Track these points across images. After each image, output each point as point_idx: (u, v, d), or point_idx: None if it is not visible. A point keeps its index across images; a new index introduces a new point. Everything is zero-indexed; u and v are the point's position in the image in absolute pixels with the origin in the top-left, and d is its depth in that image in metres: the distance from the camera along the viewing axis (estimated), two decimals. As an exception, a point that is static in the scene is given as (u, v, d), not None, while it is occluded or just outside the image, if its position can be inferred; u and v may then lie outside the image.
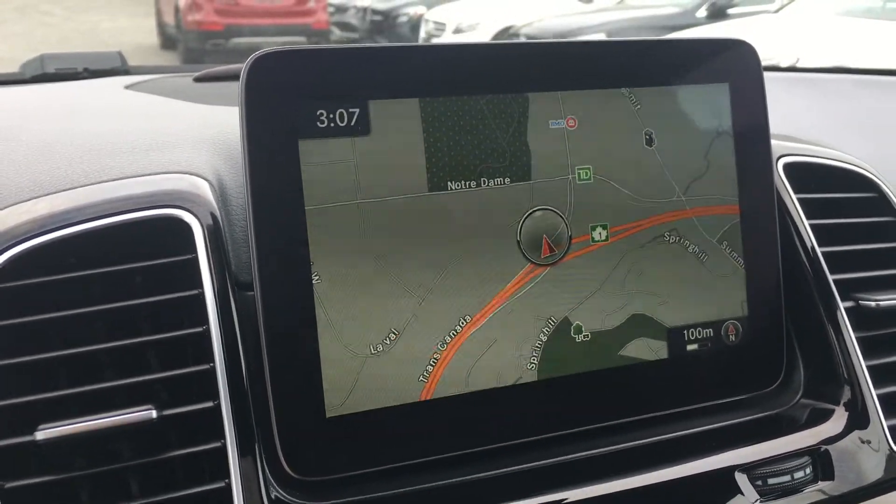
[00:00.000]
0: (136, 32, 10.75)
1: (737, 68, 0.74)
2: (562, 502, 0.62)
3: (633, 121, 0.71)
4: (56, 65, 1.30)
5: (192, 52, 8.81)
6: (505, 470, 0.64)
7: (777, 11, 6.59)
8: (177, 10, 9.21)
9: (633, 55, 0.71)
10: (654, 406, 0.71)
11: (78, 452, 0.55)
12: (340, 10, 11.07)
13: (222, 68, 1.16)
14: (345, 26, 11.04)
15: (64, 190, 0.64)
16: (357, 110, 0.63)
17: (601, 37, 6.97)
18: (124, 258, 0.60)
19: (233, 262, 0.64)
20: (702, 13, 7.16)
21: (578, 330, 0.69)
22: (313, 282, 0.62)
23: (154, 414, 0.55)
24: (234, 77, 1.09)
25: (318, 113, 0.62)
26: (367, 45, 0.64)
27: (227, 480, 0.56)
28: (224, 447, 0.57)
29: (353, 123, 0.63)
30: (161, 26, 10.37)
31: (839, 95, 1.37)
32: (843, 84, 1.45)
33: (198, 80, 1.16)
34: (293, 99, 0.61)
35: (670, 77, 0.72)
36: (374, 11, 10.50)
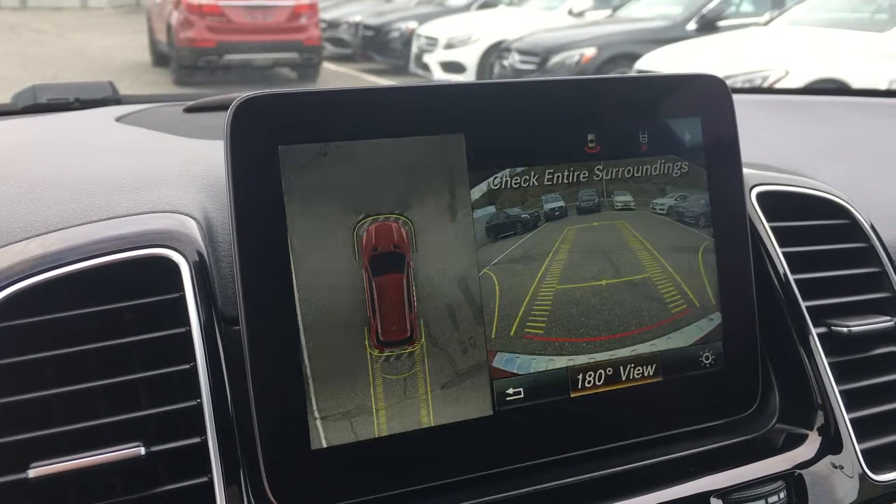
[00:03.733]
0: (127, 50, 10.79)
1: (708, 102, 0.77)
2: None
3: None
4: (48, 95, 1.32)
5: (184, 69, 8.85)
6: (483, 499, 0.66)
7: (766, 24, 6.66)
8: (169, 27, 9.25)
9: (598, 94, 0.73)
10: (632, 433, 0.73)
11: (70, 489, 0.57)
12: (333, 25, 11.13)
13: (212, 99, 1.19)
14: (337, 42, 11.11)
15: (55, 230, 0.66)
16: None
17: (592, 51, 7.03)
18: (114, 297, 0.63)
19: (219, 298, 0.66)
20: (692, 26, 7.22)
21: (556, 358, 0.71)
22: (299, 321, 0.64)
23: (143, 451, 0.57)
24: (223, 107, 1.11)
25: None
26: (338, 88, 0.65)
27: None
28: (211, 482, 0.59)
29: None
30: (153, 44, 10.41)
31: (820, 119, 1.40)
32: (825, 107, 1.48)
33: (188, 110, 1.18)
34: (274, 140, 0.63)
35: (642, 113, 0.74)
36: (366, 27, 10.57)
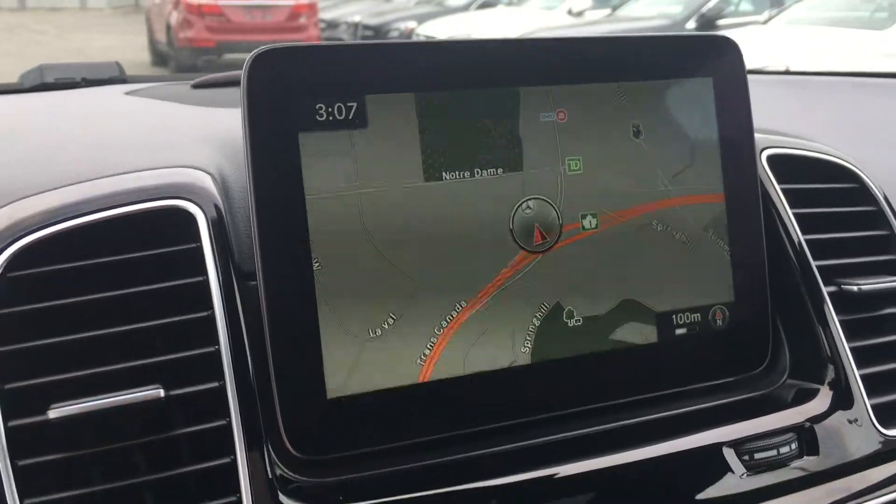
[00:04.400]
0: (126, 50, 10.79)
1: (720, 63, 0.77)
2: (553, 477, 0.65)
3: (621, 114, 0.74)
4: (55, 75, 1.32)
5: (183, 68, 8.86)
6: (500, 448, 0.66)
7: (766, 22, 6.67)
8: (168, 27, 9.27)
9: (620, 51, 0.75)
10: (645, 388, 0.74)
11: (89, 431, 0.58)
12: (332, 25, 11.14)
13: (220, 75, 1.19)
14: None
15: (73, 184, 0.67)
16: (354, 104, 0.66)
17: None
18: (131, 247, 0.63)
19: (236, 252, 0.67)
20: (691, 24, 7.24)
21: (570, 315, 0.72)
22: (314, 268, 0.64)
23: (162, 393, 0.58)
24: (231, 83, 1.12)
25: (317, 107, 0.65)
26: (365, 41, 0.67)
27: (232, 457, 0.59)
28: (229, 425, 0.59)
29: (350, 117, 0.66)
30: (153, 44, 10.42)
31: (831, 96, 1.40)
32: (835, 85, 1.48)
33: (196, 86, 1.18)
34: (293, 94, 0.64)
35: (656, 72, 0.75)
36: (366, 27, 10.58)
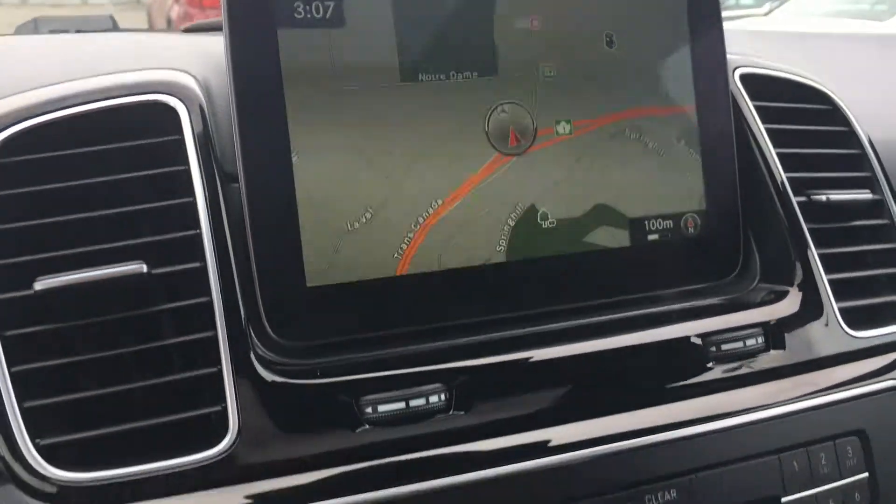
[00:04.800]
0: (128, 46, 10.79)
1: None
2: (527, 361, 0.67)
3: (594, 23, 0.76)
4: (49, 27, 1.35)
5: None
6: (475, 338, 0.68)
7: (767, 14, 6.69)
8: (169, 21, 9.28)
9: None
10: (618, 291, 0.76)
11: (74, 305, 0.60)
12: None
13: (209, 20, 1.21)
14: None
15: (58, 83, 0.69)
16: (332, 3, 0.68)
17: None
18: (116, 139, 0.65)
19: (218, 151, 0.69)
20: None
21: (544, 217, 0.74)
22: (293, 160, 0.66)
23: (144, 268, 0.60)
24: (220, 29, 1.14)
25: (295, 4, 0.67)
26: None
27: (213, 332, 0.61)
28: (210, 302, 0.61)
29: (328, 16, 0.68)
30: (153, 39, 10.42)
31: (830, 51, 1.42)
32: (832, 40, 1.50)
33: (186, 30, 1.21)
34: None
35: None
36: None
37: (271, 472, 0.60)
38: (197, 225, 0.63)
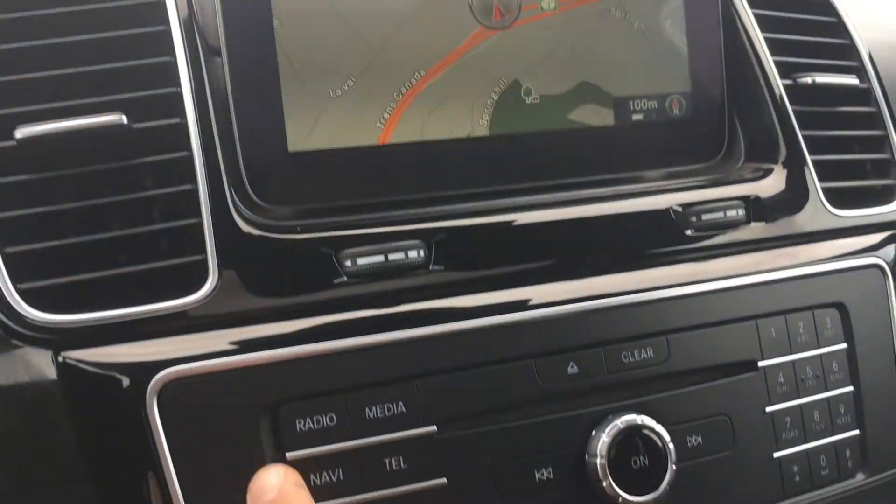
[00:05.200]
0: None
1: None
2: (508, 223, 0.67)
3: None
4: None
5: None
6: (456, 206, 0.68)
7: None
8: None
9: None
10: (601, 169, 0.76)
11: (56, 156, 0.61)
12: None
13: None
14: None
15: None
16: None
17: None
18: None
19: (200, 19, 0.69)
20: None
21: (528, 92, 0.74)
22: (274, 25, 0.67)
23: (125, 119, 0.61)
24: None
25: None
26: None
27: (193, 185, 0.62)
28: (191, 157, 0.62)
29: None
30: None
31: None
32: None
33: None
34: None
35: None
36: None
37: (251, 320, 0.61)
38: (177, 83, 0.64)
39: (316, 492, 0.59)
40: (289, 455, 0.59)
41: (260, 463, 0.58)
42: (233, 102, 0.65)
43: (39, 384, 0.58)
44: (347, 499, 0.60)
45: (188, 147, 0.63)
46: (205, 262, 0.60)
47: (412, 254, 0.64)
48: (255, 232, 0.62)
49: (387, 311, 0.63)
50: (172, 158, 0.62)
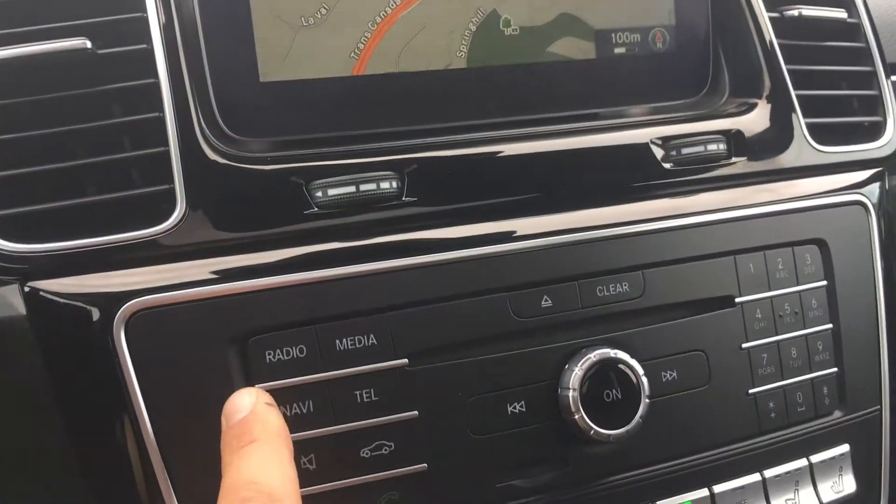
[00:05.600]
0: None
1: None
2: (484, 156, 0.66)
3: None
4: None
5: None
6: (433, 139, 0.67)
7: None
8: None
9: None
10: (582, 103, 0.74)
11: (19, 83, 0.59)
12: None
13: None
14: None
15: None
16: None
17: None
18: None
19: None
20: None
21: (507, 23, 0.72)
22: None
23: (88, 44, 0.59)
24: None
25: None
26: None
27: (160, 113, 0.60)
28: (157, 84, 0.61)
29: None
30: None
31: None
32: None
33: None
34: None
35: None
36: None
37: (220, 251, 0.60)
38: (143, 8, 0.62)
39: (287, 424, 0.59)
40: (258, 386, 0.58)
41: (229, 394, 0.58)
42: (202, 29, 0.64)
43: (6, 315, 0.58)
44: (318, 430, 0.59)
45: (154, 74, 0.61)
46: (172, 191, 0.59)
47: (384, 185, 0.63)
48: (224, 161, 0.61)
49: (358, 244, 0.63)
50: (138, 85, 0.61)
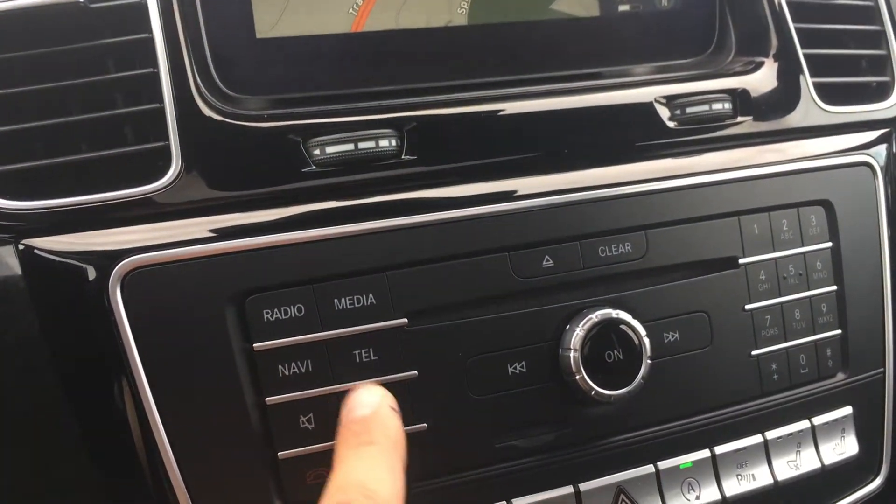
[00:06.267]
0: None
1: None
2: (486, 113, 0.64)
3: None
4: None
5: None
6: (433, 96, 0.66)
7: None
8: None
9: None
10: (586, 62, 0.73)
11: (11, 38, 0.58)
12: None
13: None
14: None
15: None
16: None
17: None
18: None
19: None
20: None
21: (509, -21, 0.71)
22: None
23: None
24: None
25: None
26: None
27: (155, 69, 0.59)
28: (151, 39, 0.59)
29: None
30: None
31: None
32: None
33: None
34: None
35: None
36: None
37: (216, 210, 0.59)
38: None
39: (285, 383, 0.58)
40: (256, 345, 0.58)
41: (226, 353, 0.57)
42: None
43: (1, 273, 0.57)
44: (317, 390, 0.59)
45: (149, 29, 0.60)
46: (167, 148, 0.58)
47: (383, 143, 0.62)
48: (220, 118, 0.60)
49: (357, 203, 0.61)
50: (132, 40, 0.60)
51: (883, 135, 0.79)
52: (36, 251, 0.57)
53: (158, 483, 0.58)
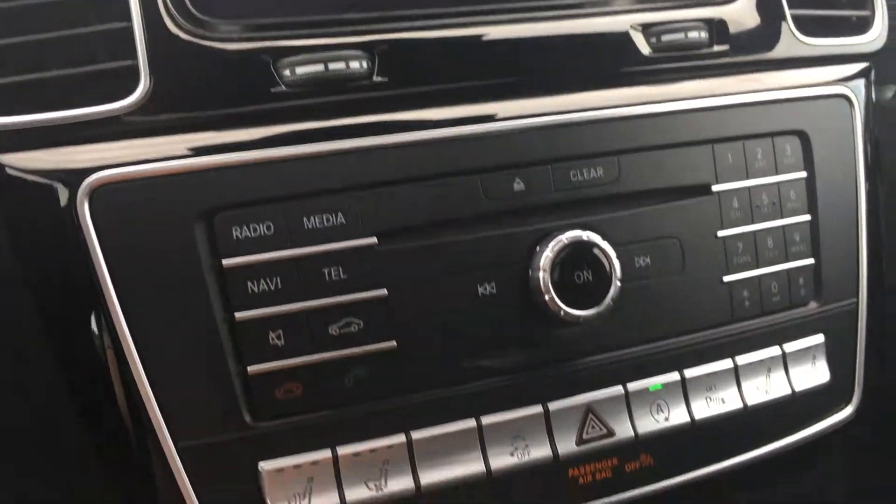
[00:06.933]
0: None
1: None
2: (460, 37, 0.64)
3: None
4: None
5: None
6: (404, 22, 0.65)
7: None
8: None
9: None
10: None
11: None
12: None
13: None
14: None
15: None
16: None
17: None
18: None
19: None
20: None
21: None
22: None
23: None
24: None
25: None
26: None
27: None
28: None
29: None
30: None
31: None
32: None
33: None
34: None
35: None
36: None
37: (185, 129, 0.59)
38: None
39: (255, 300, 0.59)
40: (225, 262, 0.58)
41: (195, 269, 0.58)
42: None
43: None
44: (286, 307, 0.59)
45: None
46: (136, 67, 0.58)
47: (354, 64, 0.61)
48: (188, 38, 0.59)
49: (327, 124, 0.61)
50: None
51: (862, 69, 0.79)
52: (4, 167, 0.57)
53: (131, 398, 0.58)
